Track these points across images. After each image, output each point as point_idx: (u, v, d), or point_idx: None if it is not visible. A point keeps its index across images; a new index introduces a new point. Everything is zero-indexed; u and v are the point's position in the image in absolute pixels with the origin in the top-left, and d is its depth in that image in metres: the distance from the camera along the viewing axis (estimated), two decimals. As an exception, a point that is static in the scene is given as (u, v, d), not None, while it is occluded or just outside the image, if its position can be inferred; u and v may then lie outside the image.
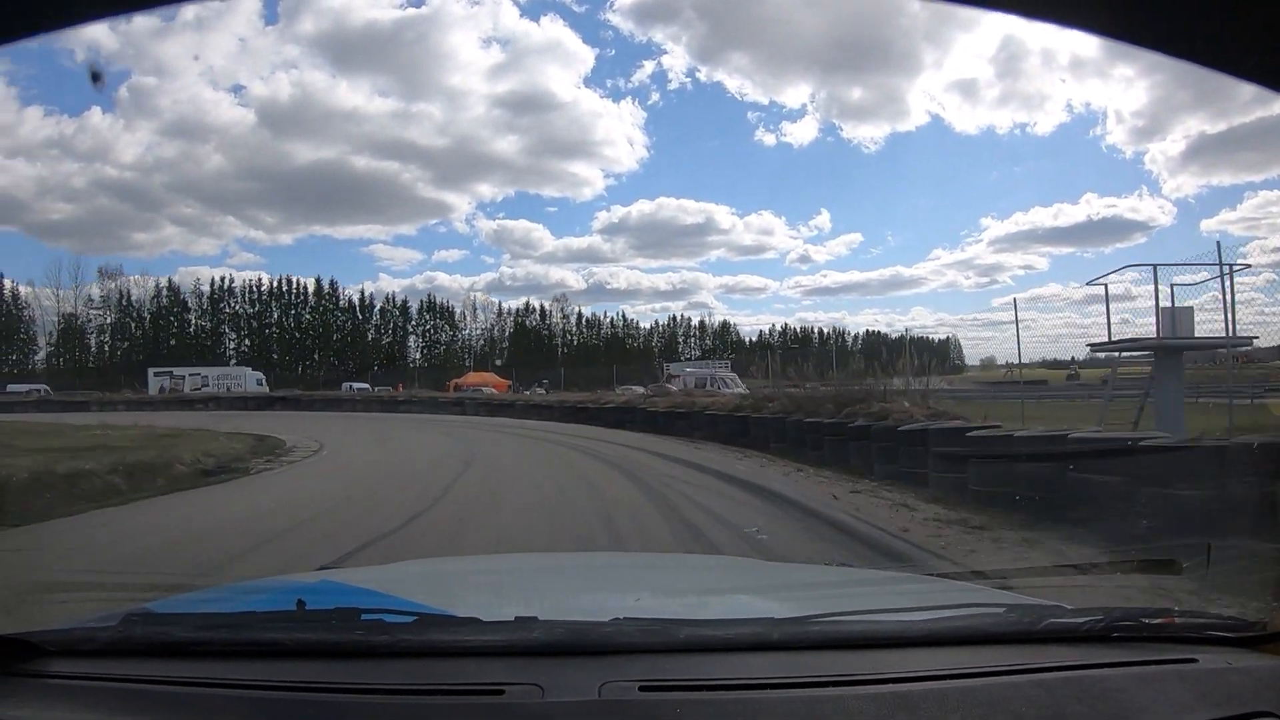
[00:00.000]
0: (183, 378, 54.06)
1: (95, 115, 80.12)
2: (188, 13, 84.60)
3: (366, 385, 49.26)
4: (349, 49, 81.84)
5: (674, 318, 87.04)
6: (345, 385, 50.18)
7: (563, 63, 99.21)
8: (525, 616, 1.20)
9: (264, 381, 53.16)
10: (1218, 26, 0.71)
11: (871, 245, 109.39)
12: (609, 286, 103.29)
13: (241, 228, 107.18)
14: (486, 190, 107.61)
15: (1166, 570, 2.05)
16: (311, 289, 75.81)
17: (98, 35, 71.19)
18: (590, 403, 25.81)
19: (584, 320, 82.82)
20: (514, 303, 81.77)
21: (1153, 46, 0.76)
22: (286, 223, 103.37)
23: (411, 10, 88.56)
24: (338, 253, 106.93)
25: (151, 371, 56.20)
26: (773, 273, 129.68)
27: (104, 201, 79.59)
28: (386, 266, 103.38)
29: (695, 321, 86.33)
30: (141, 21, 75.40)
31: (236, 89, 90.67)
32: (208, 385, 51.00)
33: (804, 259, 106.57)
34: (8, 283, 67.03)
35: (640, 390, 29.40)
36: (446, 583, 2.10)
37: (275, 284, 75.40)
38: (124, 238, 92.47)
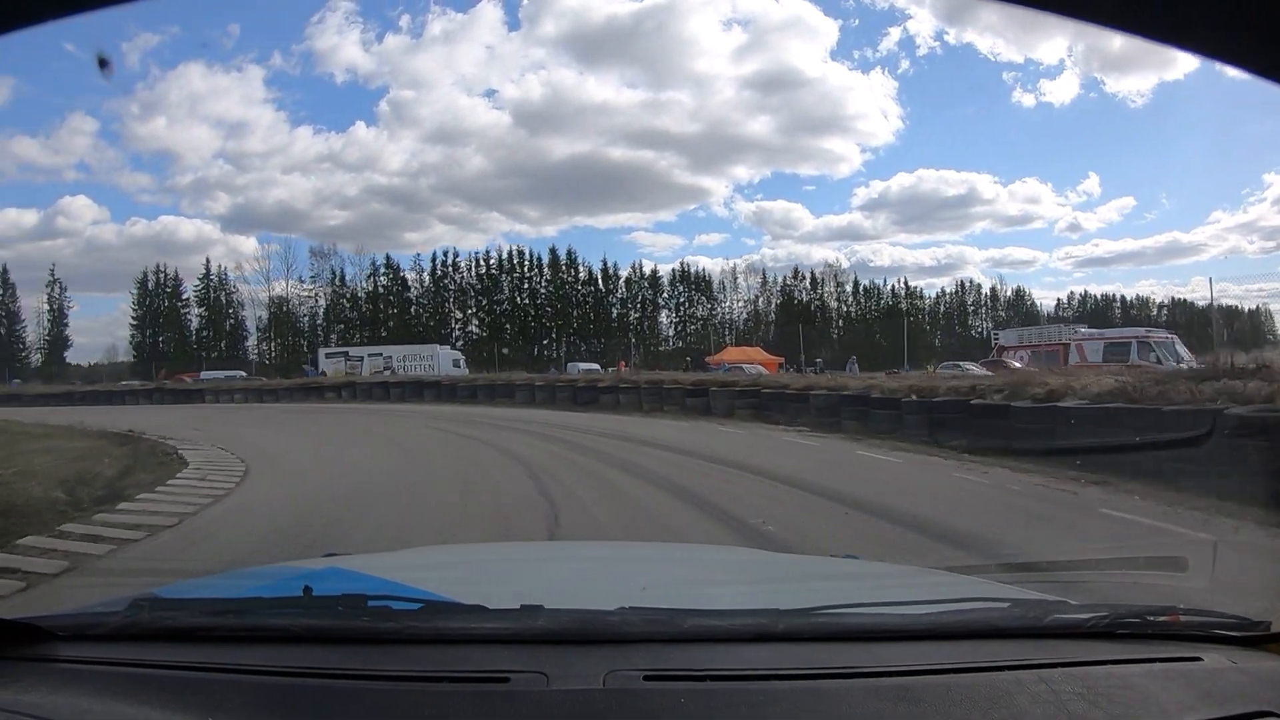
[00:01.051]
0: (360, 359, 46.36)
1: (360, 129, 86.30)
2: (434, 28, 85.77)
3: (595, 366, 41.27)
4: (592, 45, 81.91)
5: (962, 283, 75.93)
6: (571, 366, 43.95)
7: (806, 38, 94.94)
8: (531, 605, 1.19)
9: (462, 363, 44.91)
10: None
11: (1145, 209, 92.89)
12: (872, 264, 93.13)
13: (506, 222, 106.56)
14: (742, 172, 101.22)
15: (1172, 567, 2.36)
16: (547, 260, 68.38)
17: (355, 57, 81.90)
18: (924, 392, 14.16)
19: (861, 290, 72.40)
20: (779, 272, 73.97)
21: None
22: (549, 216, 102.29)
23: (649, 1, 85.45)
24: (600, 241, 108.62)
25: (323, 353, 50.95)
26: (1041, 243, 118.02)
27: (376, 206, 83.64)
28: (648, 253, 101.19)
29: (986, 289, 75.24)
30: (393, 41, 78.09)
31: (489, 93, 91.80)
32: (390, 367, 43.22)
33: (1073, 227, 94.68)
34: (215, 266, 67.35)
35: (973, 369, 25.53)
36: (453, 570, 2.09)
37: (505, 256, 68.36)
38: (396, 237, 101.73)
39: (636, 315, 68.41)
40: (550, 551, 2.83)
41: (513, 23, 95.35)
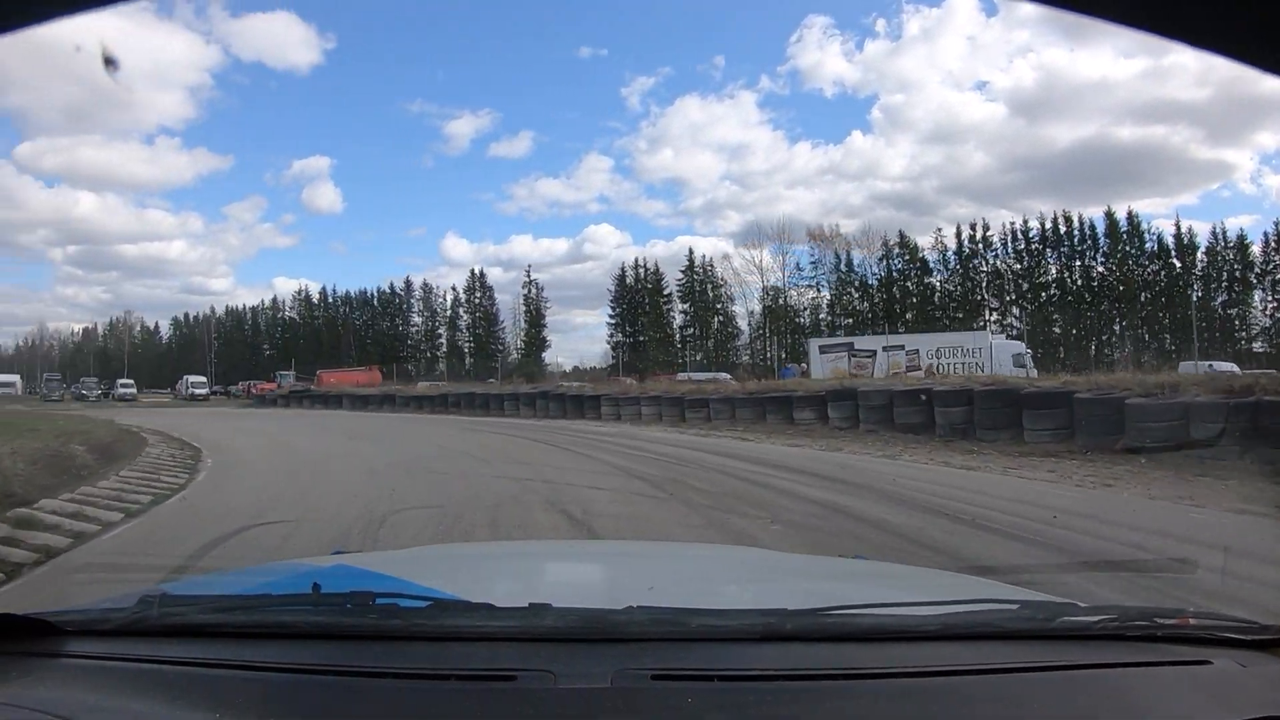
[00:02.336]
0: (869, 353, 34.02)
1: (857, 139, 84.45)
2: (911, 27, 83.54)
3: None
4: (1076, 18, 67.94)
5: None
6: (1202, 365, 25.19)
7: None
8: (539, 603, 1.18)
9: (1027, 360, 29.31)
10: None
11: None
12: None
13: (1016, 217, 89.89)
14: (1268, 140, 76.46)
15: (1182, 570, 2.49)
16: (1102, 229, 53.51)
17: (839, 68, 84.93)
18: None
19: None
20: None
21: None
22: (1060, 209, 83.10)
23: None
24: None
25: (815, 345, 39.08)
26: None
27: (882, 213, 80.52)
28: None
29: None
30: (874, 47, 79.30)
31: (980, 85, 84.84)
32: (917, 365, 30.94)
33: None
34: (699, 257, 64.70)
35: None
36: (461, 568, 2.09)
37: (1049, 228, 54.20)
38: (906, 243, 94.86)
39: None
40: (558, 551, 2.87)
41: (989, 8, 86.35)
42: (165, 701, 1.03)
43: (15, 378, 63.42)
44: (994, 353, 29.32)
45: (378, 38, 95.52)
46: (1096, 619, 1.21)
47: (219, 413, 35.10)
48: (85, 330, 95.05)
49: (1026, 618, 1.23)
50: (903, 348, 33.66)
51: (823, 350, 36.20)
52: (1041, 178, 73.67)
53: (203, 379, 61.09)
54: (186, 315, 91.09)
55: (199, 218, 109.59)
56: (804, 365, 34.35)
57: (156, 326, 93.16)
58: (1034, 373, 25.76)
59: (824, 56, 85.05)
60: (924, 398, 15.40)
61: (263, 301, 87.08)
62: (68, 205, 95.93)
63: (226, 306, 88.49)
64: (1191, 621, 1.22)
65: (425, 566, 2.00)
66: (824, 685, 1.06)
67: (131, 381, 62.11)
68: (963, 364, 29.75)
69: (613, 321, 65.92)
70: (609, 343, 64.63)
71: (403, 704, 1.03)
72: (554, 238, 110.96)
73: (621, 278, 66.51)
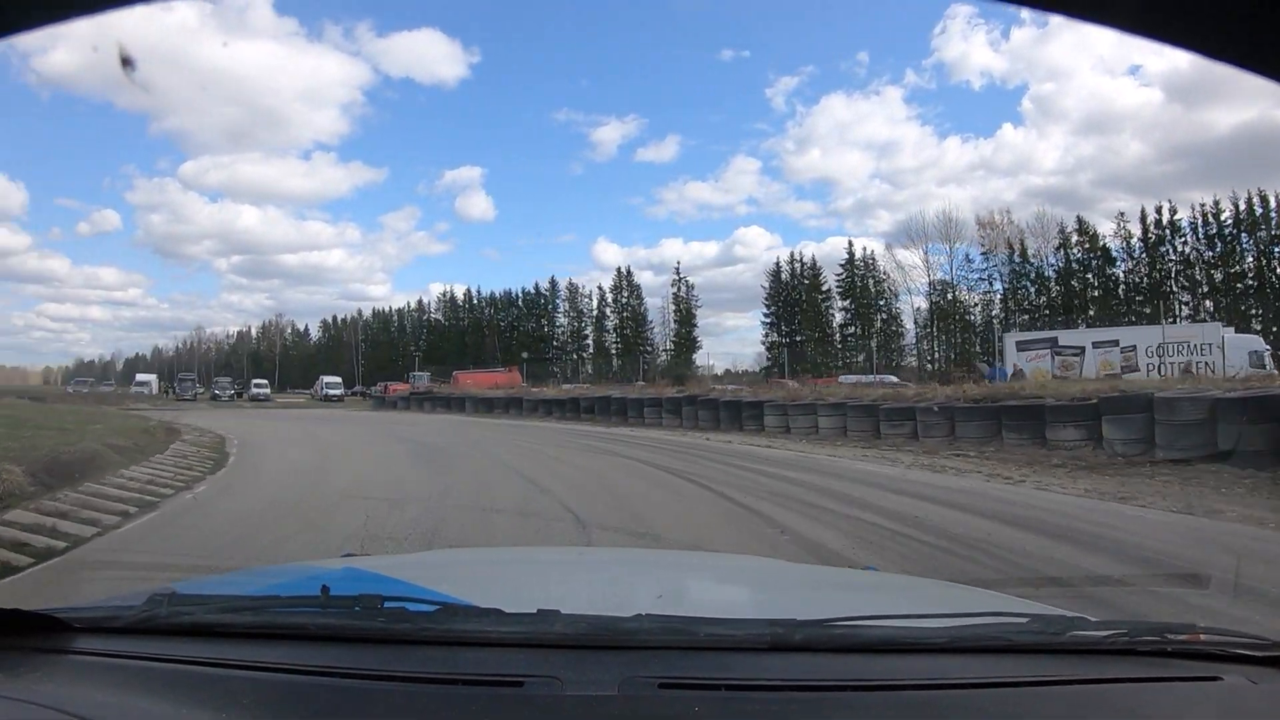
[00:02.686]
0: (1077, 350, 28.90)
1: (1008, 131, 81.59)
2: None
3: None
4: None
5: None
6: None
7: None
8: (547, 609, 1.19)
9: (1266, 358, 24.88)
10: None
11: None
12: None
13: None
14: None
15: (1193, 584, 2.39)
16: None
17: (986, 59, 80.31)
18: None
19: None
20: None
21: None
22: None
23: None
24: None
25: (1011, 340, 32.59)
26: None
27: (1036, 208, 72.94)
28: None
29: None
30: (1020, 35, 76.06)
31: (1133, 70, 78.22)
32: (1133, 365, 26.30)
33: None
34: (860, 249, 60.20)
35: None
36: (470, 573, 2.10)
37: (1243, 209, 46.72)
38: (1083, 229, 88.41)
39: None
40: (568, 558, 2.88)
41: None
42: (173, 700, 1.04)
43: (152, 377, 65.87)
44: (1227, 349, 23.48)
45: (521, 50, 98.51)
46: (1106, 634, 1.20)
47: (324, 416, 33.18)
48: (240, 333, 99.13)
49: (1036, 631, 1.22)
50: (1116, 343, 28.31)
51: (1021, 347, 30.68)
52: (1200, 166, 67.68)
53: (337, 380, 60.86)
54: (335, 318, 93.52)
55: (356, 228, 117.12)
56: (1014, 365, 28.78)
57: (306, 329, 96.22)
58: (1274, 369, 22.12)
59: (969, 47, 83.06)
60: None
61: (409, 304, 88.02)
62: (231, 218, 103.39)
63: (374, 309, 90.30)
64: (1202, 637, 1.21)
65: (435, 571, 2.03)
66: (831, 696, 1.06)
67: (265, 382, 62.71)
68: (1189, 362, 24.69)
69: (768, 320, 62.90)
70: (764, 343, 61.38)
71: (410, 708, 1.03)
72: (704, 240, 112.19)
73: (776, 273, 63.34)
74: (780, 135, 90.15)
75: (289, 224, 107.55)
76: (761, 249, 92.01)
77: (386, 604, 1.24)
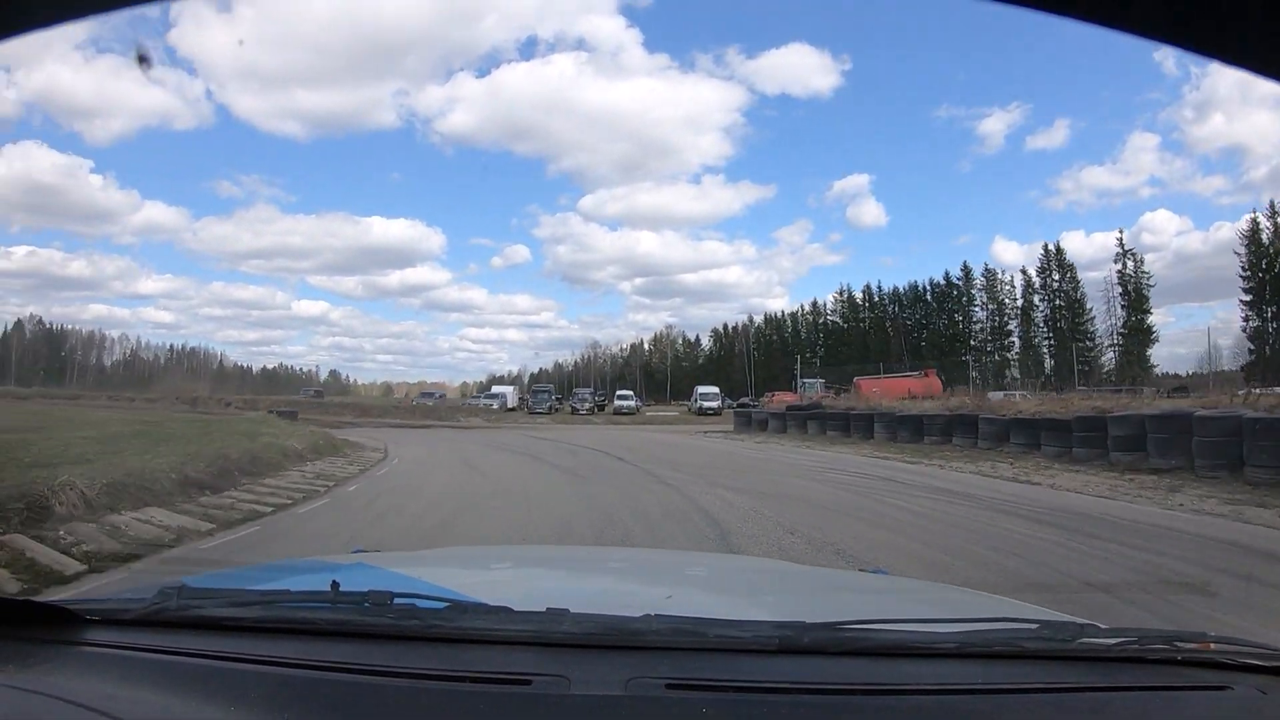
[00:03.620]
0: None
1: None
2: None
3: None
4: None
5: None
6: None
7: None
8: (556, 608, 1.19)
9: None
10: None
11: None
12: None
13: None
14: None
15: (1202, 592, 2.47)
16: None
17: None
18: None
19: None
20: None
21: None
22: None
23: None
24: None
25: None
26: None
27: None
28: None
29: None
30: None
31: None
32: None
33: None
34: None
35: None
36: (481, 571, 2.11)
37: None
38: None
39: None
40: (577, 557, 2.88)
41: None
42: (181, 693, 1.04)
43: (507, 390, 60.84)
44: None
45: (890, 51, 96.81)
46: (1116, 641, 1.19)
47: (644, 444, 22.80)
48: (633, 346, 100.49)
49: (1046, 638, 1.21)
50: None
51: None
52: None
53: (713, 390, 53.76)
54: (726, 326, 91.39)
55: (751, 244, 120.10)
56: None
57: (697, 339, 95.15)
58: None
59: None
60: None
61: (801, 306, 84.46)
62: (630, 244, 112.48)
63: (765, 314, 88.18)
64: (1212, 646, 1.20)
65: (445, 568, 2.04)
66: (840, 700, 1.06)
67: (630, 393, 56.99)
68: None
69: (1247, 300, 50.33)
70: (1244, 331, 49.78)
71: (417, 705, 1.04)
72: (1106, 230, 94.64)
73: (1253, 232, 49.79)
74: (1176, 103, 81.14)
75: (686, 245, 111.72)
76: (1170, 235, 79.55)
77: (396, 600, 1.23)
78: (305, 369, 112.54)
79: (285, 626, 1.21)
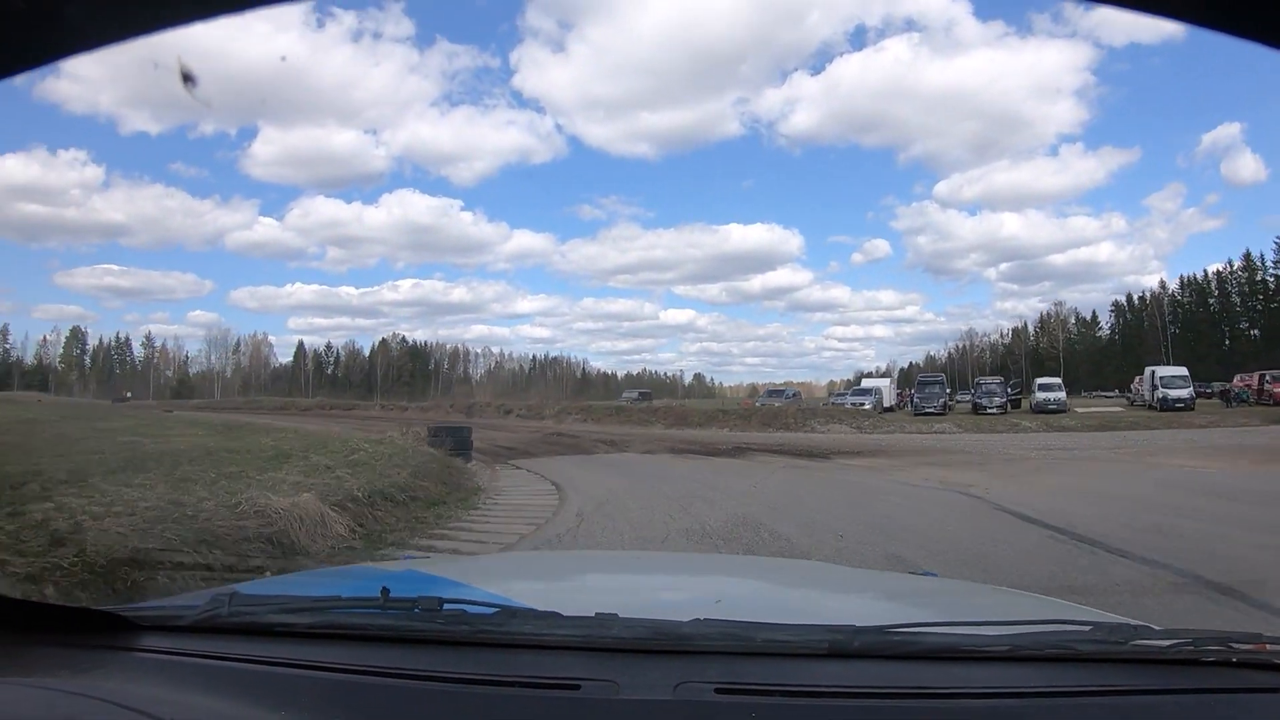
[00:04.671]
0: None
1: None
2: None
3: None
4: None
5: None
6: None
7: None
8: (605, 613, 1.19)
9: None
10: None
11: None
12: None
13: None
14: None
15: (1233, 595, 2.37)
16: None
17: None
18: None
19: None
20: None
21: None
22: None
23: None
24: None
25: None
26: None
27: None
28: None
29: None
30: None
31: None
32: None
33: None
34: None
35: None
36: (529, 576, 2.09)
37: None
38: None
39: None
40: (626, 562, 2.85)
41: None
42: (232, 698, 1.05)
43: (882, 384, 45.31)
44: None
45: None
46: (1170, 643, 1.17)
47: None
48: (1014, 330, 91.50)
49: (1098, 640, 1.18)
50: None
51: None
52: None
53: (1180, 373, 35.90)
54: (1129, 298, 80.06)
55: (1121, 216, 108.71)
56: None
57: (1094, 316, 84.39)
58: None
59: None
60: None
61: (1230, 263, 70.75)
62: (992, 228, 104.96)
63: (1181, 278, 76.62)
64: (1269, 647, 1.17)
65: (494, 574, 2.05)
66: (889, 704, 1.05)
67: (1056, 382, 38.26)
68: None
69: None
70: None
71: (467, 710, 1.04)
72: None
73: None
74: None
75: (1051, 224, 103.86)
76: None
77: (446, 606, 1.24)
78: (671, 374, 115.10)
79: (335, 632, 1.22)
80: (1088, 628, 1.23)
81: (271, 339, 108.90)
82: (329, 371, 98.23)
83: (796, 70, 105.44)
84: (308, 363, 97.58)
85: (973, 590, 2.38)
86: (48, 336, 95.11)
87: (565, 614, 1.21)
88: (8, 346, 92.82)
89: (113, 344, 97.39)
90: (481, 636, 1.17)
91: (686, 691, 1.02)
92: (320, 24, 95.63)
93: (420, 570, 1.97)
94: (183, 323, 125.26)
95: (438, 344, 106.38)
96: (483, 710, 1.03)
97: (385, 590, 1.26)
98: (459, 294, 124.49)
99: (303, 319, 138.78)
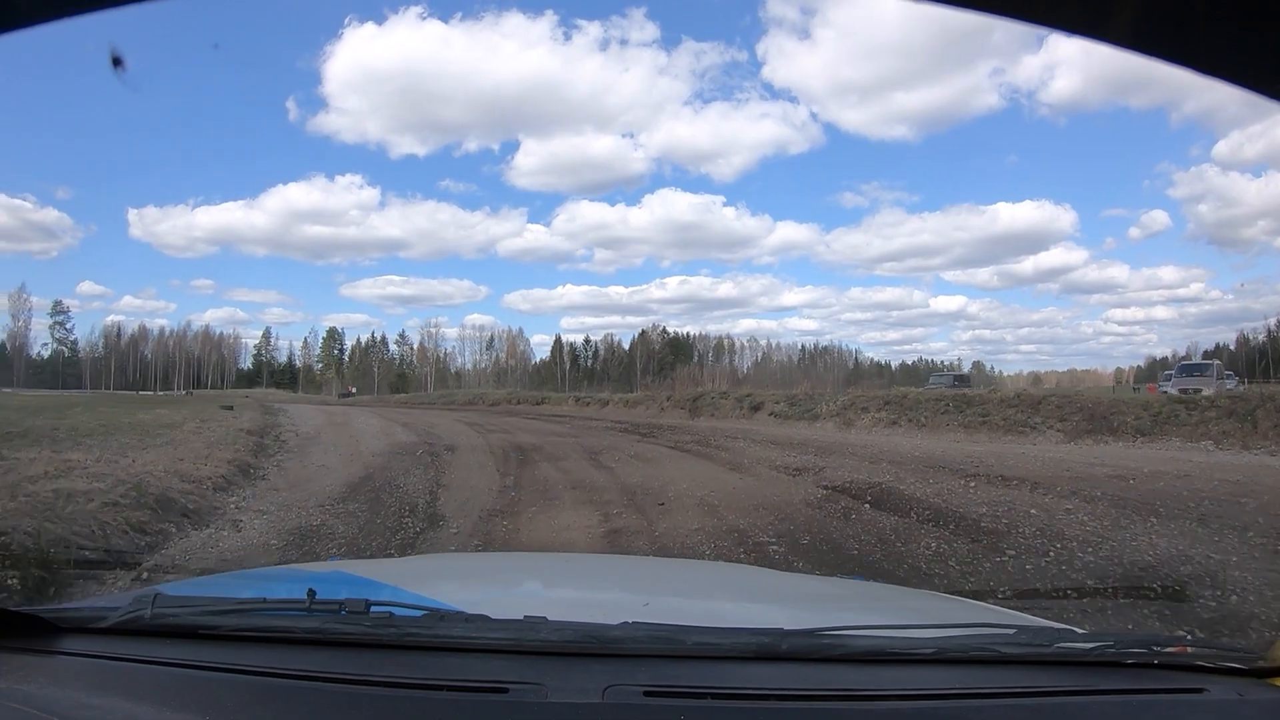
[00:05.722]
0: None
1: None
2: None
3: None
4: None
5: None
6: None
7: None
8: (534, 616, 1.19)
9: None
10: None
11: None
12: None
13: None
14: None
15: (1176, 598, 2.31)
16: None
17: None
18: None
19: None
20: None
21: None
22: None
23: None
24: None
25: None
26: None
27: None
28: None
29: None
30: None
31: None
32: None
33: None
34: None
35: None
36: (458, 578, 2.10)
37: None
38: None
39: None
40: (556, 564, 2.77)
41: None
42: (156, 702, 1.04)
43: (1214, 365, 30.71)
44: None
45: None
46: (1093, 645, 1.20)
47: None
48: None
49: (1023, 643, 1.21)
50: None
51: None
52: None
53: None
54: None
55: None
56: None
57: None
58: None
59: None
60: None
61: None
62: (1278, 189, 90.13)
63: None
64: (1190, 650, 1.21)
65: (422, 576, 2.02)
66: (818, 706, 1.06)
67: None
68: None
69: None
70: None
71: (393, 713, 1.03)
72: None
73: None
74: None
75: None
76: None
77: (373, 608, 1.22)
78: (946, 362, 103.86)
79: (261, 635, 1.21)
80: (1012, 630, 1.25)
81: (540, 337, 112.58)
82: (587, 365, 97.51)
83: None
84: (564, 357, 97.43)
85: (900, 594, 2.40)
86: (307, 339, 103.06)
87: (493, 616, 1.20)
88: (272, 350, 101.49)
89: (370, 343, 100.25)
90: (409, 639, 1.17)
91: (615, 694, 1.03)
92: (567, 37, 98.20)
93: (346, 571, 1.94)
94: (460, 326, 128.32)
95: (701, 335, 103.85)
96: (410, 714, 1.03)
97: (311, 592, 1.24)
98: (725, 289, 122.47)
99: (575, 319, 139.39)
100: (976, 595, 2.60)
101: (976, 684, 1.11)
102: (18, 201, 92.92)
